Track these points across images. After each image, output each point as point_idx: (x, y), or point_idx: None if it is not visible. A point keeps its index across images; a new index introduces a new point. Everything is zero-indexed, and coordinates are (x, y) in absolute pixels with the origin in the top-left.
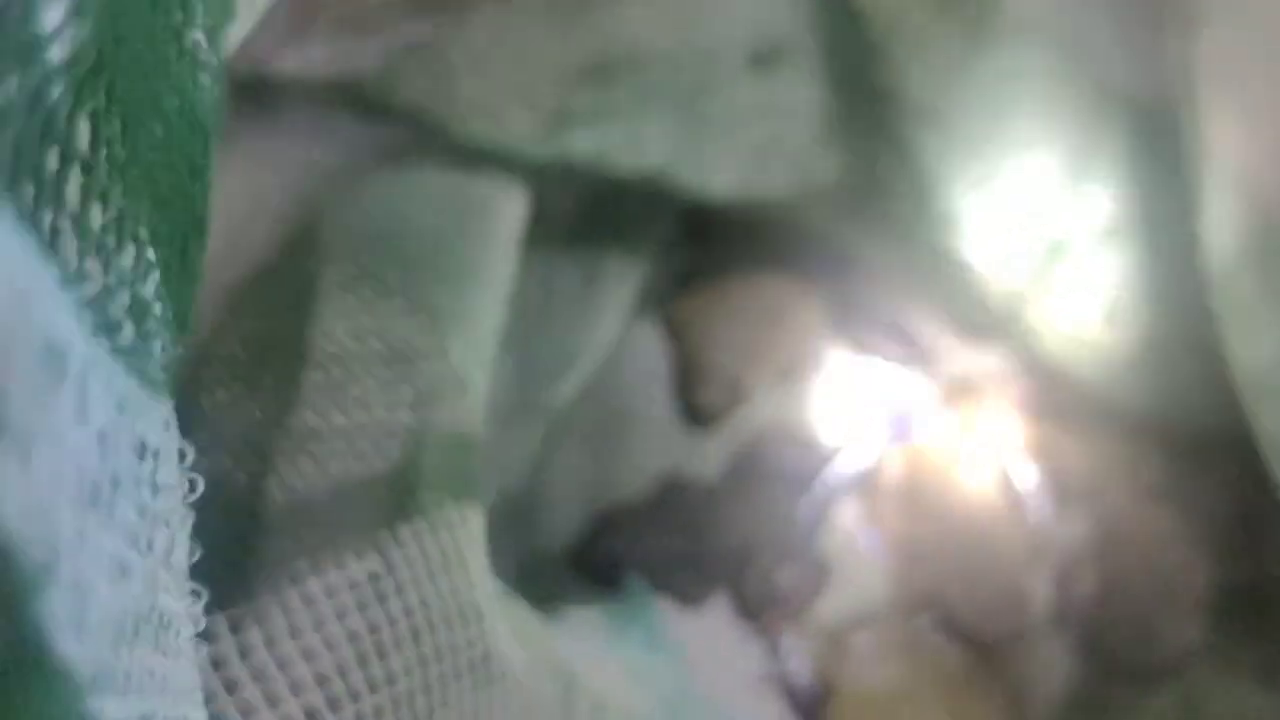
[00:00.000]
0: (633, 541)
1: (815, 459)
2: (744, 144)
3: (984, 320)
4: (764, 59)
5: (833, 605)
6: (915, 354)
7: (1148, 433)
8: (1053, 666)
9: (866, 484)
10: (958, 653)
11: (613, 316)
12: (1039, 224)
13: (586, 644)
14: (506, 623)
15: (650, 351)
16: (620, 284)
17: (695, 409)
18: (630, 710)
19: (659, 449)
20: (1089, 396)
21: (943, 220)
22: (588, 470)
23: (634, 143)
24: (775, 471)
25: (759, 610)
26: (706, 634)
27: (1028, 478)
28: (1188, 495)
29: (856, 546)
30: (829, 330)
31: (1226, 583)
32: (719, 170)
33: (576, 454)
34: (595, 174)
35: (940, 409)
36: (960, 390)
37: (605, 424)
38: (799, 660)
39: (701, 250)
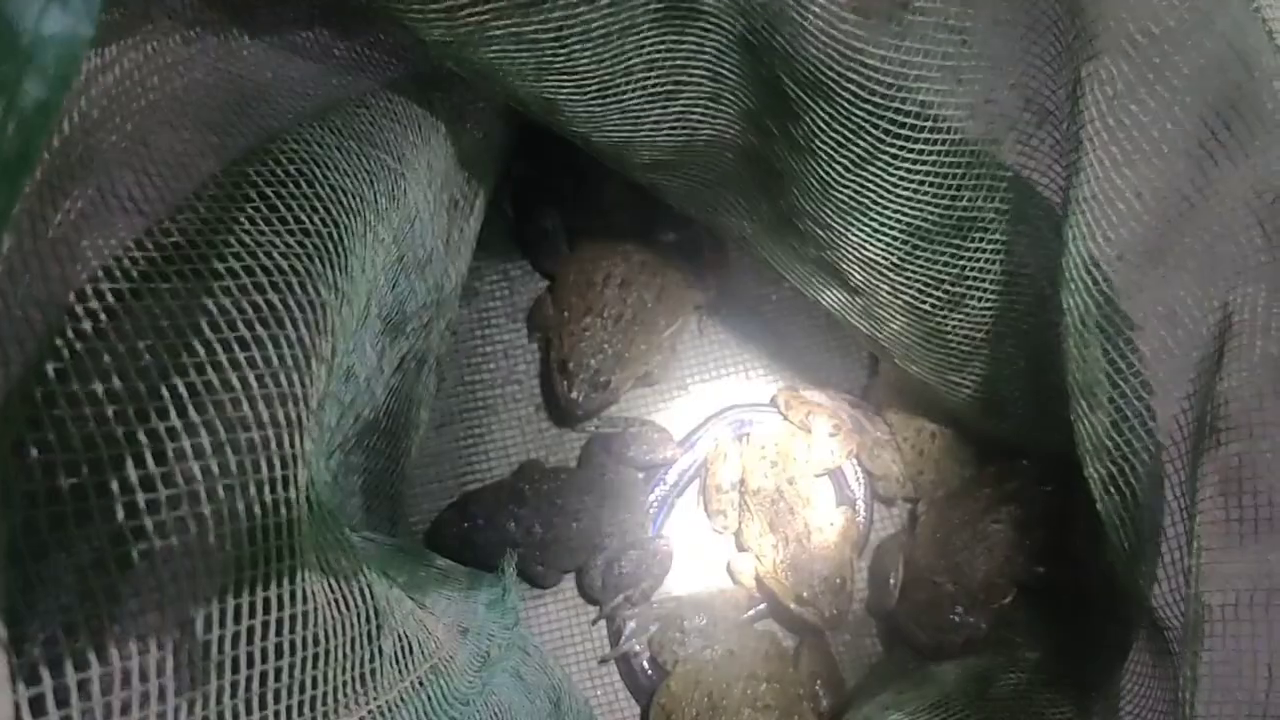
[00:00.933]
0: (485, 524)
1: (663, 455)
2: None
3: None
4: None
5: (672, 590)
6: (764, 360)
7: (969, 440)
8: (864, 646)
9: (708, 479)
10: (779, 635)
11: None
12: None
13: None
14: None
15: (519, 349)
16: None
17: (562, 407)
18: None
19: (520, 440)
20: (920, 403)
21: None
22: (450, 459)
23: None
24: (625, 464)
25: (603, 595)
26: (552, 616)
27: (855, 478)
28: (1001, 499)
29: (696, 536)
30: (693, 333)
31: (1028, 579)
32: None
33: (440, 441)
34: None
35: (781, 411)
36: (797, 395)
37: (471, 415)
38: (639, 642)
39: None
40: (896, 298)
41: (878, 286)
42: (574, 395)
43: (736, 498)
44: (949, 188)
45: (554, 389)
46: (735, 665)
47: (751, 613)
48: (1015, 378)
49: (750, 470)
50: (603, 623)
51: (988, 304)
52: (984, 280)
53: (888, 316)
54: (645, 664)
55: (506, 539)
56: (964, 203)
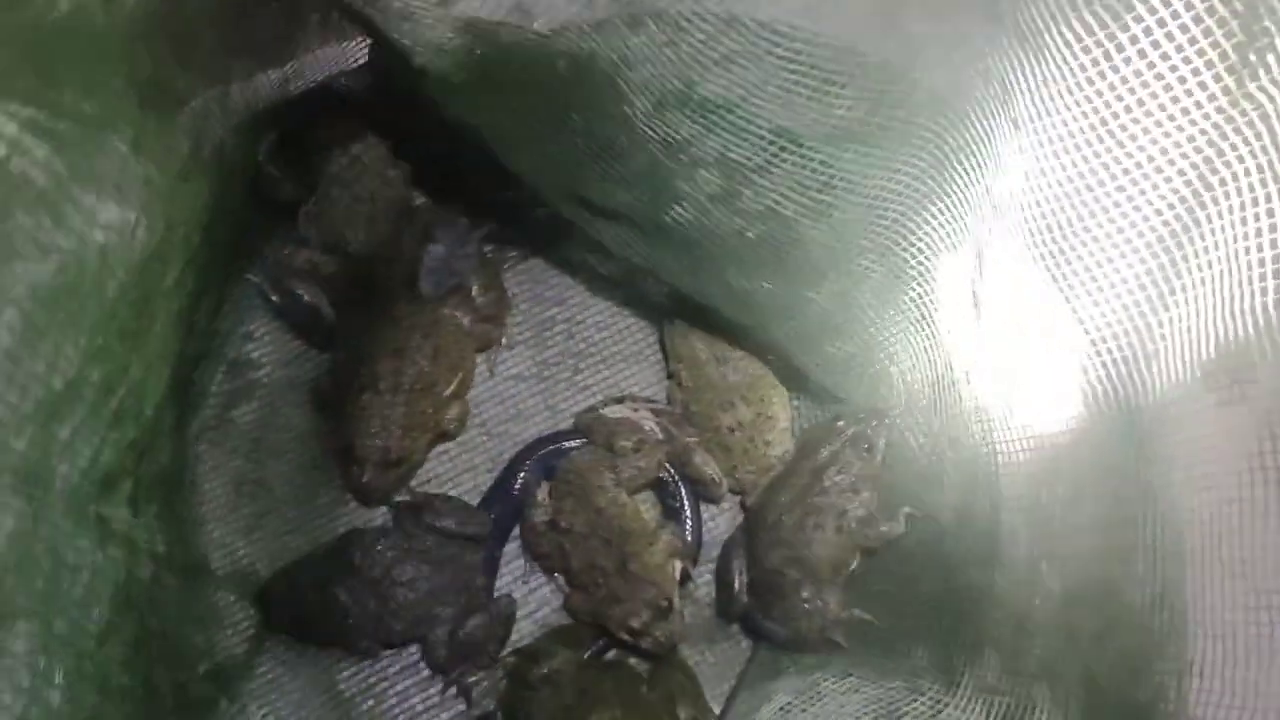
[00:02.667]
0: (314, 595)
1: (470, 528)
2: None
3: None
4: None
5: (516, 641)
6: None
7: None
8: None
9: (524, 525)
10: (631, 663)
11: None
12: None
13: None
14: None
15: (312, 433)
16: None
17: (356, 490)
18: None
19: (331, 526)
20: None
21: None
22: (262, 560)
23: None
24: (449, 532)
25: (450, 665)
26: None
27: (675, 488)
28: (821, 468)
29: (528, 582)
30: (483, 375)
31: (867, 540)
32: None
33: (249, 546)
34: None
35: (589, 440)
36: (597, 416)
37: (276, 514)
38: (488, 697)
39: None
40: (757, 202)
41: (739, 191)
42: (366, 479)
43: (554, 538)
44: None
45: (346, 475)
46: (588, 702)
47: (598, 647)
48: (872, 292)
49: (558, 508)
50: (452, 691)
51: (853, 216)
52: (852, 192)
53: (744, 226)
54: None
55: (338, 611)
56: (842, 111)
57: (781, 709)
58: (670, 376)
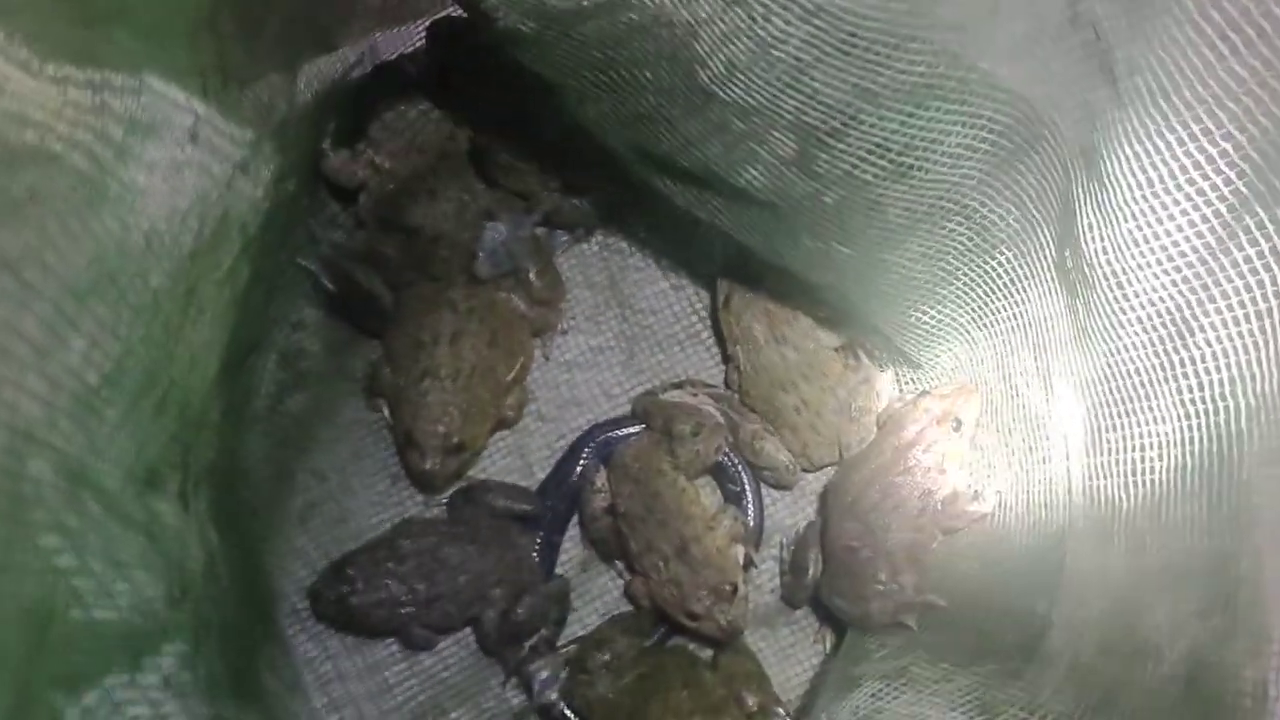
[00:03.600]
0: (364, 587)
1: (522, 507)
2: None
3: None
4: None
5: (575, 630)
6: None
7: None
8: (793, 636)
9: (583, 510)
10: (692, 648)
11: None
12: None
13: None
14: None
15: (360, 422)
16: None
17: (418, 477)
18: None
19: (385, 517)
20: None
21: None
22: (316, 553)
23: None
24: (499, 512)
25: (504, 649)
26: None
27: (736, 473)
28: (904, 446)
29: (589, 570)
30: (539, 362)
31: (950, 522)
32: None
33: (304, 536)
34: None
35: (642, 420)
36: (655, 401)
37: (328, 504)
38: (550, 687)
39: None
40: (834, 167)
41: (815, 155)
42: (428, 466)
43: (613, 524)
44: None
45: (407, 462)
46: (649, 685)
47: (659, 635)
48: (957, 255)
49: (616, 494)
50: (514, 679)
51: (936, 176)
52: (934, 150)
53: (819, 190)
54: (565, 711)
55: (388, 600)
56: (921, 68)
57: (872, 695)
58: (728, 359)
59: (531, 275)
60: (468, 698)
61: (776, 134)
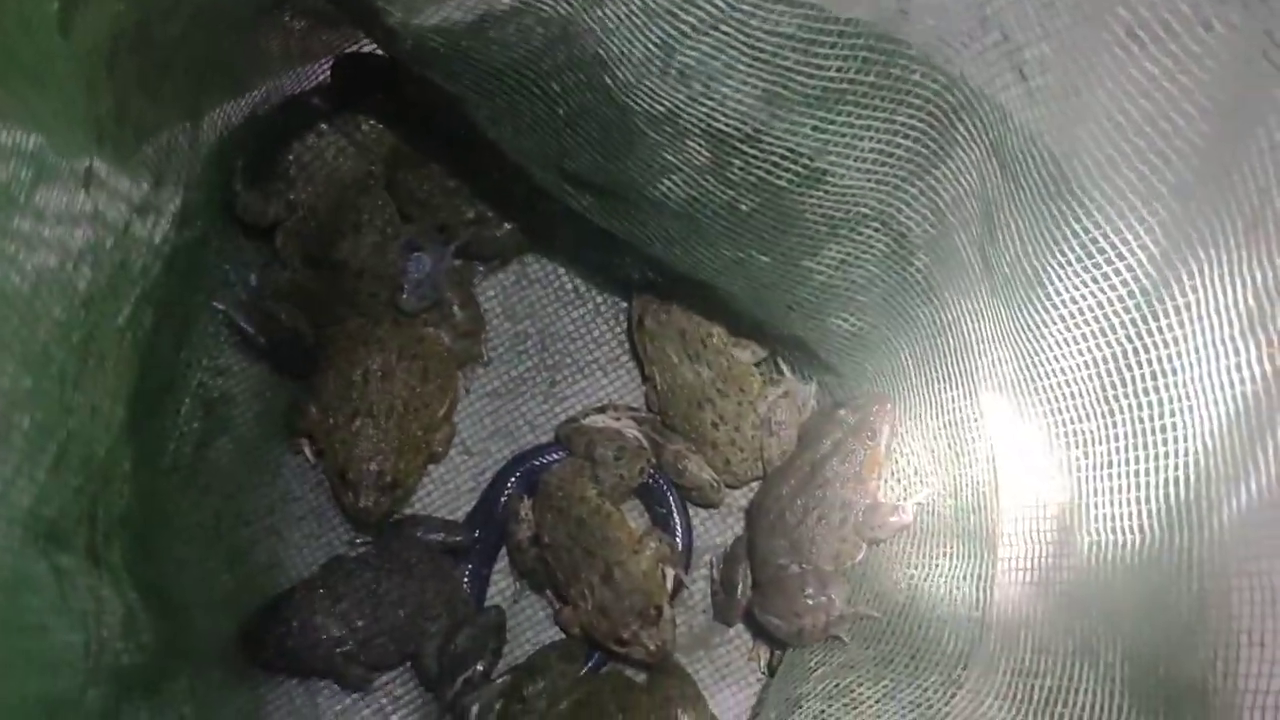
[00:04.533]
0: (300, 627)
1: (453, 539)
2: None
3: None
4: None
5: (509, 660)
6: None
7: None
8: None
9: (510, 542)
10: (627, 674)
11: None
12: None
13: None
14: None
15: (288, 464)
16: None
17: (354, 516)
18: None
19: (318, 556)
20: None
21: None
22: (248, 597)
23: None
24: (431, 545)
25: (441, 683)
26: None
27: (662, 494)
28: (822, 459)
29: (519, 601)
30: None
31: (874, 532)
32: None
33: (235, 582)
34: None
35: (570, 451)
36: (577, 427)
37: (258, 548)
38: (486, 718)
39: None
40: (749, 174)
41: (728, 162)
42: (363, 504)
43: (539, 553)
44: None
45: (342, 502)
46: (584, 711)
47: (594, 661)
48: (875, 262)
49: (540, 523)
50: (449, 714)
51: (852, 181)
52: (848, 156)
53: (735, 198)
54: None
55: (327, 640)
56: (831, 72)
57: (814, 716)
58: (646, 380)
59: (455, 308)
60: None
61: (689, 142)
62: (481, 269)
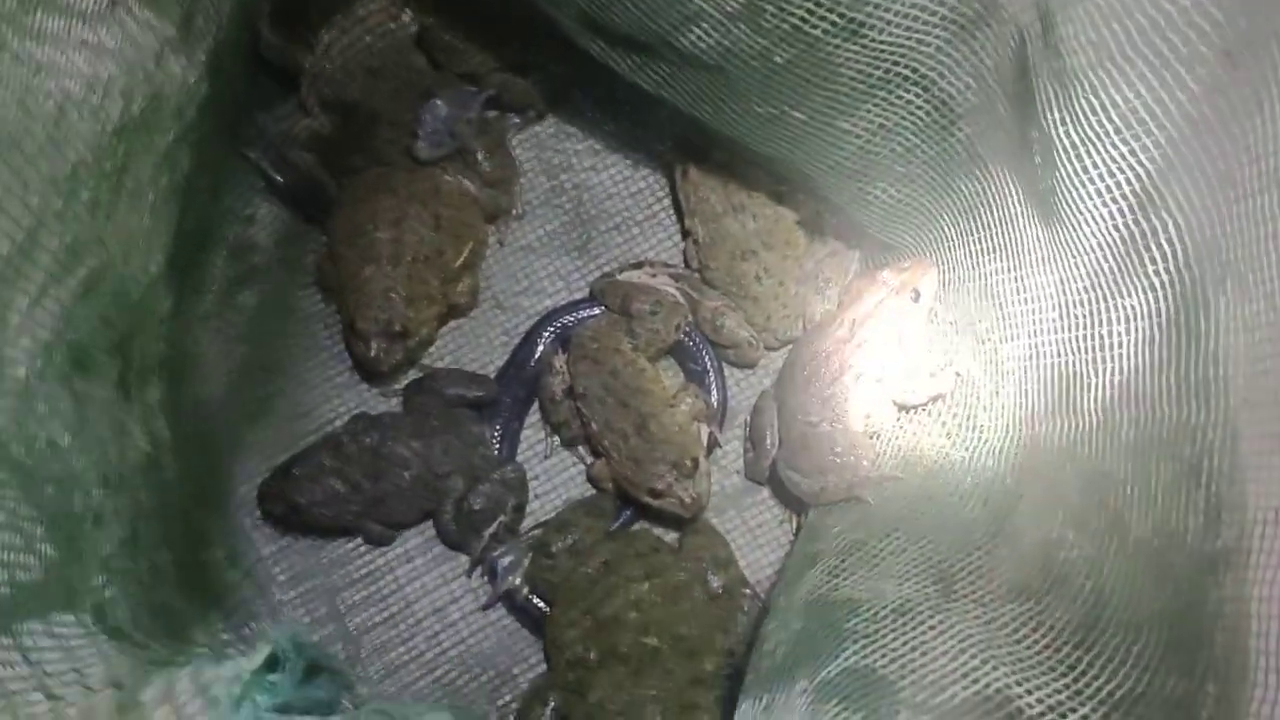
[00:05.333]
0: (309, 485)
1: (477, 392)
2: None
3: None
4: None
5: (537, 516)
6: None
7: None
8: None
9: (542, 394)
10: (656, 533)
11: None
12: None
13: None
14: None
15: (315, 315)
16: None
17: (363, 365)
18: None
19: (345, 409)
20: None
21: None
22: (272, 447)
23: None
24: (453, 400)
25: (465, 539)
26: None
27: (697, 351)
28: (863, 318)
29: (550, 455)
30: (493, 247)
31: (909, 397)
32: None
33: (256, 433)
34: None
35: (600, 301)
36: (612, 281)
37: (283, 397)
38: (513, 573)
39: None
40: (782, 21)
41: (761, 8)
42: (371, 353)
43: (573, 405)
44: None
45: (353, 351)
46: (612, 574)
47: (623, 518)
48: (916, 130)
49: (575, 374)
50: (478, 570)
51: (891, 38)
52: (889, 9)
53: (768, 48)
54: (529, 596)
55: (334, 499)
56: None
57: (828, 571)
58: (686, 235)
59: (480, 157)
60: (434, 588)
61: None
62: (517, 120)
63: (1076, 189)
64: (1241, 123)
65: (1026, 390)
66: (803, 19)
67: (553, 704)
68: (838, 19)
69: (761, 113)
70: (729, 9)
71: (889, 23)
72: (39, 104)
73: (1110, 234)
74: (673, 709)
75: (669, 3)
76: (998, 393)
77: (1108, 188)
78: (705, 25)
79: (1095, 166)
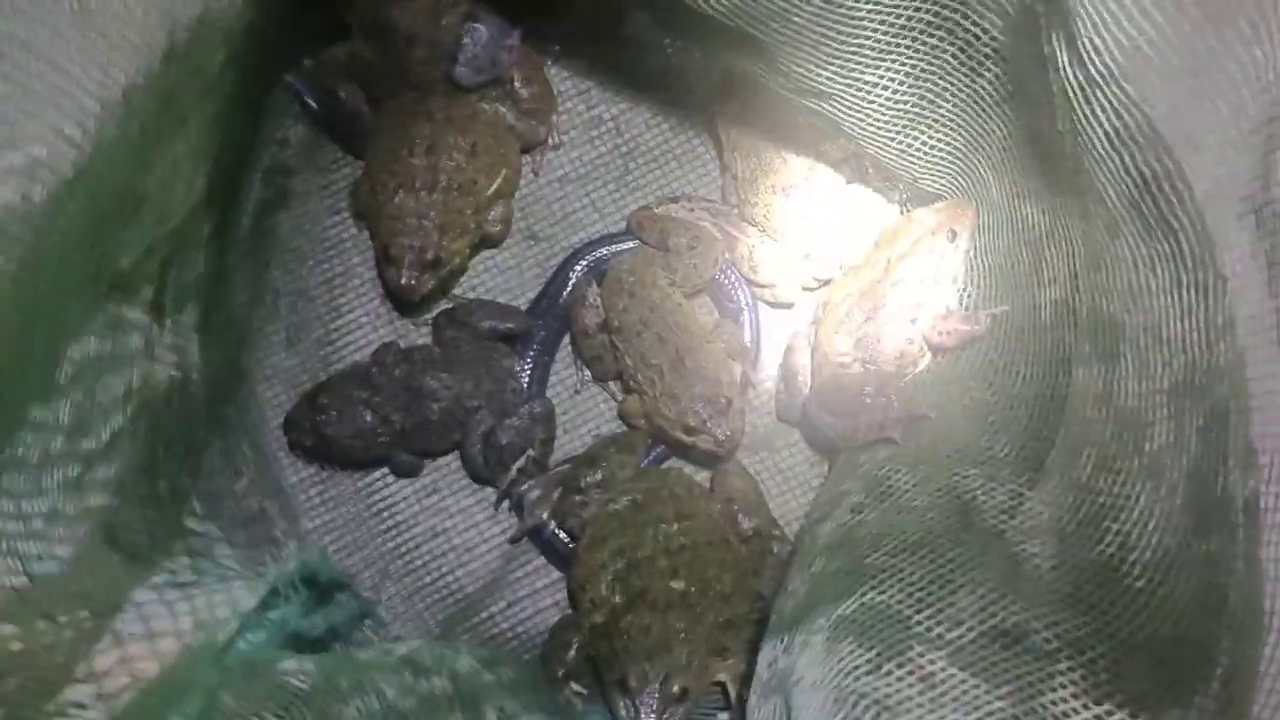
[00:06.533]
0: (337, 416)
1: (508, 325)
2: None
3: None
4: None
5: (567, 451)
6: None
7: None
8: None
9: (575, 327)
10: (686, 470)
11: None
12: None
13: None
14: None
15: (348, 241)
16: None
17: (396, 293)
18: None
19: (375, 337)
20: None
21: None
22: (305, 374)
23: None
24: (484, 332)
25: (492, 473)
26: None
27: (733, 288)
28: (898, 258)
29: (580, 389)
30: (528, 178)
31: (941, 337)
32: None
33: (290, 358)
34: None
35: (636, 235)
36: (650, 215)
37: (316, 324)
38: (541, 508)
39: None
40: None
41: None
42: (403, 281)
43: (606, 340)
44: None
45: (385, 278)
46: (641, 514)
47: (654, 454)
48: (944, 74)
49: (610, 307)
50: (505, 504)
51: None
52: None
53: (787, 8)
54: (556, 531)
55: (363, 430)
56: None
57: (852, 509)
58: (725, 170)
59: (518, 84)
60: (459, 520)
61: None
62: (556, 48)
63: (1089, 131)
64: (1250, 51)
65: (1062, 336)
66: None
67: (578, 643)
68: None
69: (784, 69)
70: None
71: None
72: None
73: (1124, 177)
74: (701, 651)
75: None
76: (1034, 337)
77: (1115, 130)
78: None
79: (1103, 109)
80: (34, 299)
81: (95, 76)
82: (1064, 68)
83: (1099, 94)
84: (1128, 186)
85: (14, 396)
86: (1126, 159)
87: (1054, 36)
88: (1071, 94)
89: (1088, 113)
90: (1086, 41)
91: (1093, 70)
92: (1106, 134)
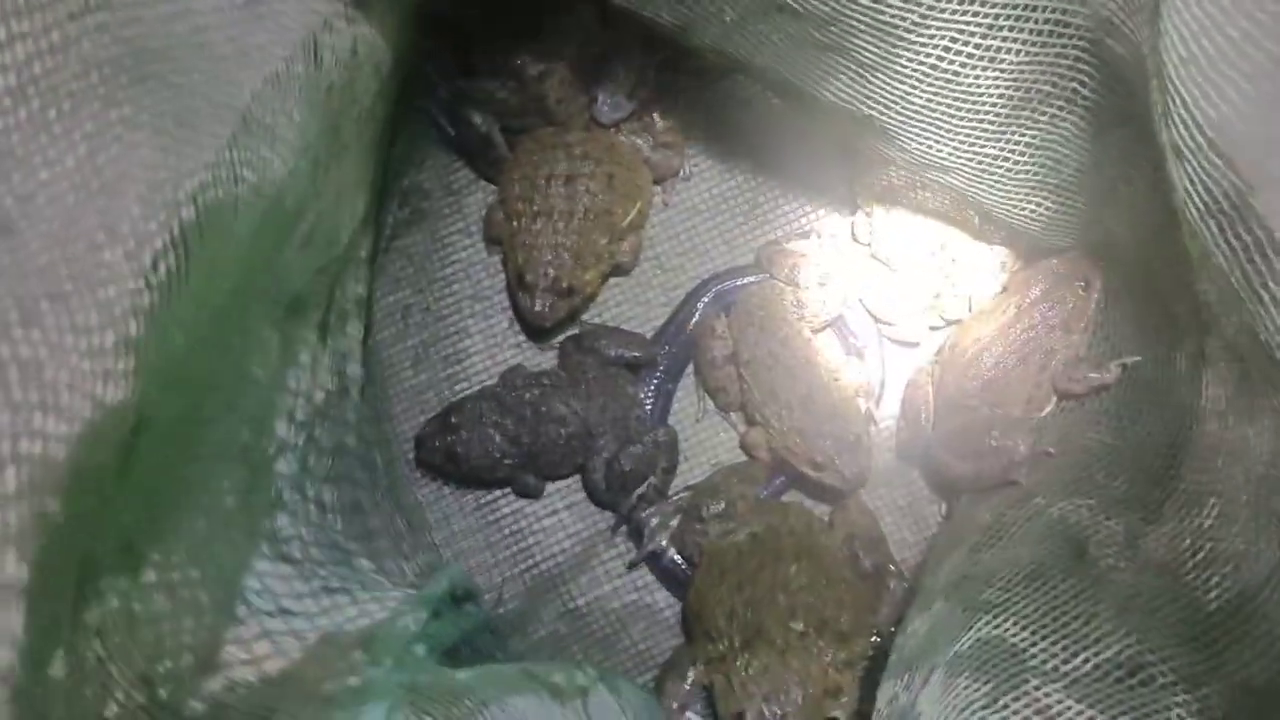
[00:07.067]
0: (468, 437)
1: (635, 353)
2: None
3: None
4: None
5: (687, 480)
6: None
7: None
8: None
9: (701, 358)
10: (806, 505)
11: None
12: None
13: None
14: None
15: (479, 264)
16: None
17: (528, 320)
18: None
19: (501, 359)
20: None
21: None
22: (431, 393)
23: None
24: (610, 359)
25: (614, 498)
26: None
27: (860, 325)
28: (1031, 304)
29: (703, 419)
30: (658, 208)
31: (1068, 385)
32: None
33: (417, 377)
34: None
35: (766, 270)
36: (780, 249)
37: (444, 344)
38: (661, 534)
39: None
40: (919, 62)
41: (895, 55)
42: (537, 308)
43: (733, 371)
44: None
45: (518, 304)
46: (760, 549)
47: (774, 486)
48: (1063, 142)
49: (740, 340)
50: (624, 529)
51: (1027, 58)
52: (1022, 30)
53: (907, 91)
54: (676, 559)
55: (492, 450)
56: None
57: (971, 548)
58: (856, 208)
59: (656, 117)
60: (579, 543)
61: (856, 40)
62: (692, 82)
63: (1186, 201)
64: None
65: (1197, 388)
66: (939, 58)
67: (692, 676)
68: (973, 50)
69: (908, 148)
70: (864, 59)
71: (1023, 42)
72: (253, 83)
73: (1221, 245)
74: (818, 692)
75: (805, 63)
76: (1165, 387)
77: (1205, 204)
78: (843, 78)
79: (1194, 182)
80: (227, 320)
81: (279, 121)
82: (1161, 134)
83: (1190, 168)
84: (1226, 255)
85: (202, 416)
86: (1216, 231)
87: (1156, 104)
88: (1171, 166)
89: (1184, 185)
90: (1179, 115)
91: (1185, 141)
92: (1197, 207)
